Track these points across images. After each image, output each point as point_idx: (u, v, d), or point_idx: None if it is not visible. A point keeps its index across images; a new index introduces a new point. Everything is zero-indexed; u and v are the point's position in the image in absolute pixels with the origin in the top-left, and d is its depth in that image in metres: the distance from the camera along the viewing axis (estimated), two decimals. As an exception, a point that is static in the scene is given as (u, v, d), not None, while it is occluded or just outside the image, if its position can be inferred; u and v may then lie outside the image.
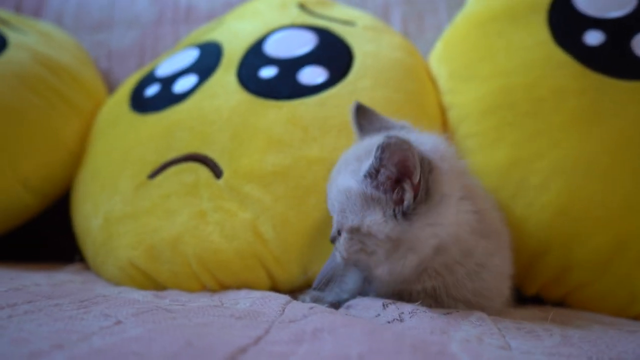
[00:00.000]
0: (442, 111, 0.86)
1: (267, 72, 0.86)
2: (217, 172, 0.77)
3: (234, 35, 0.97)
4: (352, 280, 0.67)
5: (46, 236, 1.03)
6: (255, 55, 0.90)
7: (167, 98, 0.90)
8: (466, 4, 0.94)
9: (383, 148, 0.53)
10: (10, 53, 0.97)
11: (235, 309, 0.55)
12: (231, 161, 0.77)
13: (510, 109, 0.79)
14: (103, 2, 1.37)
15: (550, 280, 0.75)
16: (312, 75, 0.84)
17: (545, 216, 0.74)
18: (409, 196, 0.54)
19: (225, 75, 0.88)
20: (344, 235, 0.58)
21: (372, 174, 0.55)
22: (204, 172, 0.78)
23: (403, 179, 0.54)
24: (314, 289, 0.67)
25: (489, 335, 0.49)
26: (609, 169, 0.72)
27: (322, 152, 0.75)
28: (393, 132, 0.58)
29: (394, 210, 0.54)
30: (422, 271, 0.58)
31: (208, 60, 0.94)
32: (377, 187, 0.55)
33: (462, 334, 0.49)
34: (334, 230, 0.61)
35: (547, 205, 0.74)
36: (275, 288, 0.73)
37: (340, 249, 0.59)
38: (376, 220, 0.55)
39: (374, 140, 0.59)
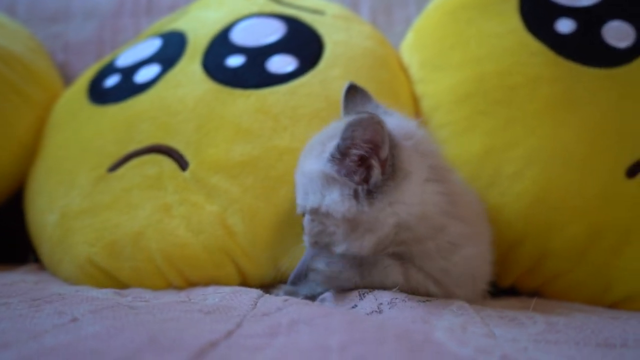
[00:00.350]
0: (415, 101, 0.85)
1: (234, 61, 0.83)
2: (182, 163, 0.73)
3: (199, 24, 0.93)
4: None
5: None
6: (221, 44, 0.86)
7: (128, 88, 0.86)
8: (437, -8, 0.93)
9: (353, 126, 0.52)
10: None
11: (204, 304, 0.52)
12: (197, 152, 0.73)
13: (483, 97, 0.78)
14: (59, -8, 1.31)
15: (527, 270, 0.74)
16: (281, 63, 0.81)
17: (521, 205, 0.72)
18: (377, 172, 0.53)
19: (190, 65, 0.84)
20: (306, 217, 0.58)
21: (337, 156, 0.54)
22: (168, 163, 0.74)
23: (371, 156, 0.53)
24: (289, 284, 0.63)
25: (472, 324, 0.47)
26: (585, 158, 0.72)
27: (293, 142, 0.72)
28: (362, 110, 0.56)
29: (354, 190, 0.54)
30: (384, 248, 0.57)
31: (171, 49, 0.89)
32: (340, 168, 0.54)
33: (445, 323, 0.47)
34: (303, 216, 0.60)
35: (522, 194, 0.73)
36: (245, 284, 0.69)
37: (305, 234, 0.59)
38: (335, 200, 0.55)
39: (339, 124, 0.58)
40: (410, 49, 0.89)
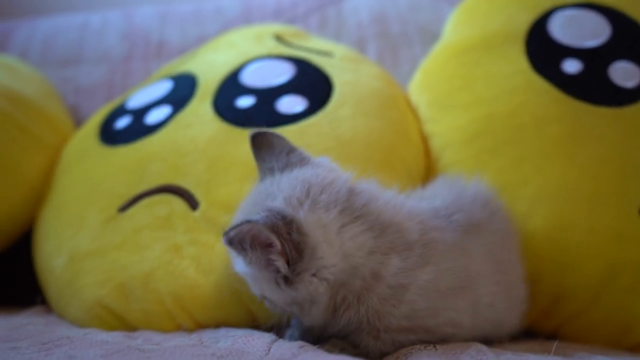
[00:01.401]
0: (424, 140, 0.85)
1: (244, 102, 0.84)
2: (192, 203, 0.73)
3: (209, 66, 0.95)
4: None
5: (3, 278, 0.96)
6: (231, 85, 0.88)
7: (139, 130, 0.86)
8: (443, 35, 0.95)
9: (230, 241, 0.51)
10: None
11: (217, 348, 0.51)
12: (208, 192, 0.73)
13: (491, 137, 0.78)
14: (71, 37, 1.34)
15: (543, 311, 0.72)
16: (290, 104, 0.82)
17: (533, 244, 0.72)
18: (282, 264, 0.51)
19: (201, 105, 0.85)
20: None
21: (245, 259, 0.52)
22: (178, 203, 0.73)
23: (269, 254, 0.51)
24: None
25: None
26: (593, 195, 0.72)
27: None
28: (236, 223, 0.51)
29: (276, 282, 0.52)
30: (335, 309, 0.55)
31: (182, 91, 0.91)
32: (253, 267, 0.53)
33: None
34: None
35: (534, 233, 0.72)
36: (255, 324, 0.68)
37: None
38: (270, 292, 0.54)
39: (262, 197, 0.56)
40: (418, 89, 0.90)
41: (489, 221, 0.63)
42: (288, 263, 0.50)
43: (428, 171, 0.83)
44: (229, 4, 1.35)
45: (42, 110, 1.01)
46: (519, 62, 0.80)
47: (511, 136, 0.77)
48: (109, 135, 0.90)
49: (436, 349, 0.52)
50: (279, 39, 1.00)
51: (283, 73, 0.88)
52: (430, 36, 1.16)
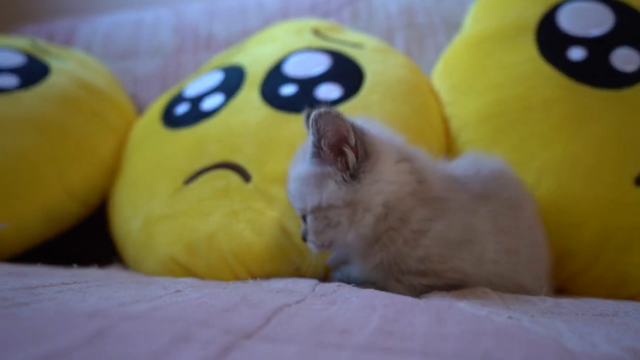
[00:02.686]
0: (444, 121, 0.96)
1: (288, 90, 0.96)
2: (246, 177, 0.86)
3: (255, 58, 1.07)
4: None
5: (82, 243, 1.12)
6: (275, 76, 1.00)
7: (197, 115, 1.00)
8: (462, 27, 1.05)
9: (317, 120, 0.60)
10: (53, 78, 1.08)
11: (272, 287, 0.64)
12: (259, 167, 0.86)
13: (503, 118, 0.89)
14: (128, 32, 1.49)
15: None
16: (328, 91, 0.94)
17: (540, 210, 0.82)
18: (351, 157, 0.61)
19: (250, 94, 0.99)
20: (309, 218, 0.65)
21: (316, 152, 0.62)
22: (234, 177, 0.87)
23: (342, 145, 0.61)
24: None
25: (490, 300, 0.58)
26: (593, 168, 0.82)
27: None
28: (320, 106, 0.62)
29: (342, 176, 0.62)
30: (376, 241, 0.65)
31: (233, 81, 1.04)
32: (323, 163, 0.63)
33: (467, 300, 0.57)
34: (302, 226, 0.68)
35: (540, 200, 0.82)
36: (299, 275, 0.81)
37: (311, 236, 0.66)
38: (331, 190, 0.62)
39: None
40: (440, 76, 1.01)
41: (499, 192, 0.72)
42: (357, 159, 0.61)
43: (448, 149, 0.94)
44: (269, 0, 1.47)
45: (111, 98, 1.16)
46: (529, 51, 0.90)
47: (521, 117, 0.87)
48: (171, 120, 1.04)
49: (448, 293, 0.64)
50: (316, 32, 1.12)
51: (320, 64, 1.00)
52: (454, 26, 1.26)
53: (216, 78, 1.08)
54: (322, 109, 0.60)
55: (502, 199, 0.72)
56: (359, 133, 0.61)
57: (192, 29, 1.46)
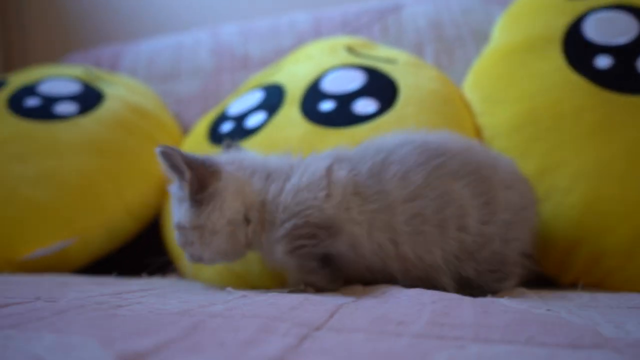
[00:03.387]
0: (477, 131, 1.01)
1: (326, 106, 1.02)
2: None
3: (293, 76, 1.14)
4: None
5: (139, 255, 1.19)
6: (314, 92, 1.07)
7: (241, 132, 1.07)
8: (491, 39, 1.10)
9: (158, 156, 0.70)
10: (107, 103, 1.17)
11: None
12: (303, 179, 0.92)
13: (535, 126, 0.93)
14: (169, 55, 1.58)
15: (586, 268, 0.86)
16: (364, 106, 1.00)
17: (574, 214, 0.86)
18: (187, 188, 0.69)
19: (290, 111, 1.05)
20: (175, 232, 0.73)
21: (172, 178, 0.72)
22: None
23: (182, 178, 0.70)
24: None
25: (528, 296, 0.62)
26: (624, 172, 0.85)
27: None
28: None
29: (189, 203, 0.70)
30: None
31: (273, 99, 1.11)
32: (177, 187, 0.72)
33: (506, 296, 0.62)
34: None
35: (575, 204, 0.86)
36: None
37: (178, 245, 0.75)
38: (182, 213, 0.71)
39: None
40: (471, 87, 1.06)
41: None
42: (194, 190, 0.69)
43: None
44: (301, 19, 1.54)
45: (159, 119, 1.25)
46: (557, 61, 0.94)
47: (552, 125, 0.91)
48: (217, 138, 1.11)
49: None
50: (350, 49, 1.18)
51: (356, 80, 1.06)
52: (483, 37, 1.31)
53: (257, 97, 1.15)
54: (161, 148, 0.69)
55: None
56: (197, 166, 0.69)
57: (229, 50, 1.54)
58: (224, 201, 0.70)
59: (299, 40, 1.48)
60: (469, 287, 0.69)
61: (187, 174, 0.69)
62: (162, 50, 1.60)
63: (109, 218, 1.03)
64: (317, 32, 1.48)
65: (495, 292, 0.68)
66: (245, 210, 0.72)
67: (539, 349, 0.37)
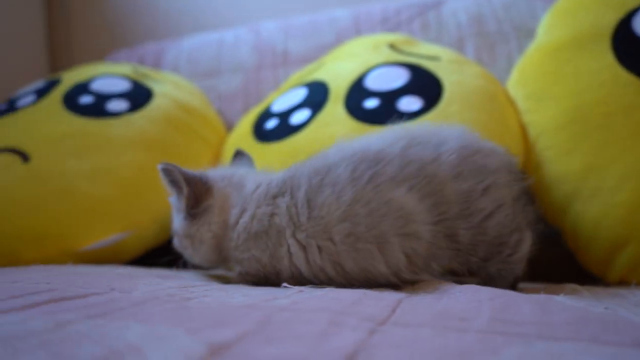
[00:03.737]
0: (522, 128, 1.01)
1: (371, 103, 1.04)
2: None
3: (336, 74, 1.16)
4: None
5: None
6: (358, 90, 1.08)
7: (286, 129, 1.10)
8: (536, 36, 1.10)
9: (161, 172, 0.77)
10: (156, 101, 1.21)
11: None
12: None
13: (582, 124, 0.92)
14: (211, 53, 1.61)
15: (632, 266, 0.86)
16: (409, 103, 1.01)
17: (622, 213, 0.86)
18: (182, 203, 0.77)
19: (335, 108, 1.07)
20: (174, 238, 0.83)
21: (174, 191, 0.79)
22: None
23: (179, 192, 0.77)
24: None
25: (583, 295, 0.63)
26: (674, 170, 0.85)
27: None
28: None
29: (184, 215, 0.78)
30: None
31: (317, 96, 1.13)
32: (176, 200, 0.79)
33: (562, 295, 0.63)
34: None
35: (622, 203, 0.86)
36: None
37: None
38: (178, 222, 0.80)
39: None
40: (515, 85, 1.06)
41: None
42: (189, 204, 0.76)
43: (526, 154, 0.99)
44: (340, 15, 1.55)
45: (204, 116, 1.28)
46: (606, 58, 0.94)
47: (600, 122, 0.90)
48: (262, 134, 1.14)
49: (542, 289, 0.69)
50: (393, 47, 1.19)
51: (400, 77, 1.07)
52: (525, 32, 1.30)
53: (301, 94, 1.17)
54: (162, 165, 0.76)
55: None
56: (194, 183, 0.76)
57: (269, 46, 1.56)
58: (212, 216, 0.77)
59: (339, 37, 1.49)
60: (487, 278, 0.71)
61: (185, 190, 0.76)
62: (204, 47, 1.63)
63: (160, 212, 1.06)
64: (357, 29, 1.49)
65: (514, 275, 0.72)
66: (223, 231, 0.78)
67: (605, 348, 0.38)
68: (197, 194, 0.76)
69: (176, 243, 0.82)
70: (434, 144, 0.69)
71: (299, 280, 0.70)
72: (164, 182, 0.79)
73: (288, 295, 0.57)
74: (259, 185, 0.76)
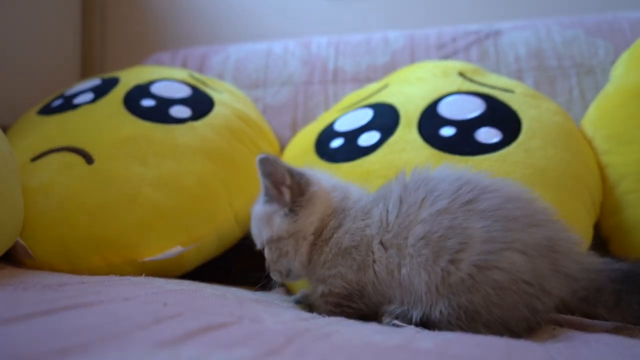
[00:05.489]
0: (600, 168, 1.00)
1: (447, 132, 1.02)
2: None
3: (406, 98, 1.14)
4: None
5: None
6: (432, 117, 1.06)
7: (355, 150, 1.07)
8: (615, 76, 1.09)
9: (260, 163, 0.74)
10: (217, 109, 1.18)
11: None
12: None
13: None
14: (258, 63, 1.58)
15: None
16: (487, 135, 1.00)
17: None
18: (287, 194, 0.75)
19: (408, 133, 1.05)
20: (266, 250, 0.78)
21: (265, 192, 0.76)
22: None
23: (281, 185, 0.75)
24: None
25: None
26: None
27: (507, 201, 0.89)
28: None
29: (284, 212, 0.75)
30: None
31: (386, 119, 1.11)
32: (271, 201, 0.76)
33: None
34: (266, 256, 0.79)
35: None
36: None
37: (271, 266, 0.79)
38: (278, 224, 0.76)
39: None
40: (594, 124, 1.05)
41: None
42: (293, 197, 0.74)
43: (605, 196, 0.98)
44: (394, 36, 1.54)
45: (261, 127, 1.25)
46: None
47: (687, 170, 0.90)
48: (327, 153, 1.11)
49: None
50: (463, 75, 1.18)
51: (476, 108, 1.05)
52: (586, 70, 1.30)
53: (367, 115, 1.15)
54: (263, 156, 0.74)
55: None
56: (295, 174, 0.75)
57: (320, 62, 1.54)
58: (315, 206, 0.75)
59: (393, 58, 1.48)
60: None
61: (289, 179, 0.74)
62: (251, 56, 1.60)
63: (221, 225, 1.03)
64: (412, 51, 1.48)
65: None
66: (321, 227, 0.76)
67: None
68: (300, 185, 0.75)
69: (272, 254, 0.78)
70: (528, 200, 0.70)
71: (381, 295, 0.70)
72: (261, 175, 0.76)
73: (425, 338, 0.54)
74: (360, 199, 0.78)
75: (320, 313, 0.72)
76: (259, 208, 0.79)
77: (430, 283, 0.65)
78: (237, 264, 1.16)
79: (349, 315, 0.70)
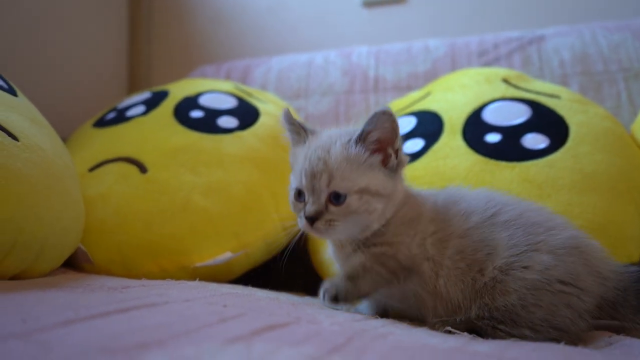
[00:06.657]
0: (652, 174, 0.98)
1: (492, 138, 1.02)
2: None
3: (450, 105, 1.14)
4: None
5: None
6: (476, 123, 1.06)
7: (400, 157, 1.08)
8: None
9: (381, 114, 0.68)
10: (262, 119, 1.21)
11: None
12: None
13: None
14: (300, 73, 1.61)
15: None
16: (534, 141, 0.99)
17: None
18: (393, 157, 0.71)
19: (452, 140, 1.05)
20: (353, 197, 0.69)
21: (362, 139, 0.69)
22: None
23: (387, 145, 0.71)
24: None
25: None
26: None
27: (557, 207, 0.88)
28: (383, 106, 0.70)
29: (387, 171, 0.71)
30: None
31: (430, 126, 1.11)
32: (367, 151, 0.70)
33: None
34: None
35: None
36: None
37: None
38: (381, 179, 0.70)
39: (354, 128, 0.74)
40: (644, 129, 1.03)
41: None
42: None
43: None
44: (434, 44, 1.54)
45: (304, 138, 1.27)
46: None
47: None
48: (371, 161, 1.12)
49: None
50: (507, 81, 1.17)
51: (521, 114, 1.05)
52: (634, 74, 1.28)
53: (410, 122, 1.16)
54: (388, 109, 0.68)
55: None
56: (401, 141, 0.73)
57: (361, 71, 1.56)
58: (400, 184, 0.74)
59: (434, 66, 1.49)
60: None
61: (398, 144, 0.72)
62: (293, 67, 1.64)
63: (269, 232, 1.05)
64: (453, 59, 1.48)
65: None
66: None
67: None
68: (402, 158, 0.74)
69: (359, 203, 0.69)
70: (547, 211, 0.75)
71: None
72: (372, 124, 0.68)
73: (480, 342, 0.55)
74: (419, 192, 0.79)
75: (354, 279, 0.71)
76: (351, 150, 0.70)
77: (465, 290, 0.69)
78: (284, 270, 1.19)
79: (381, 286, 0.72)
